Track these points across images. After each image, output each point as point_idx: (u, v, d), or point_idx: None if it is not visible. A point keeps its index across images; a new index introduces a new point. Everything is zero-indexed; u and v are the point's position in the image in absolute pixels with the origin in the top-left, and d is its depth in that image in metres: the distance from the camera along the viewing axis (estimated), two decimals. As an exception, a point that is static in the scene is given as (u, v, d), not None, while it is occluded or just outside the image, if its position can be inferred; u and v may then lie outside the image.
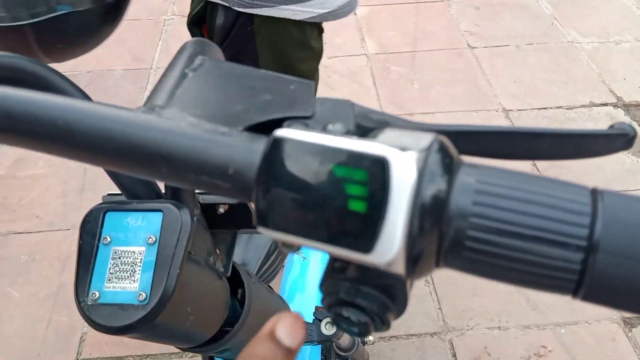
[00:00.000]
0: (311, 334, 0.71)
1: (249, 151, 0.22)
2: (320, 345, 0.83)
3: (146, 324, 0.32)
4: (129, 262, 0.34)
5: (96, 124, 0.23)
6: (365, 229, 0.19)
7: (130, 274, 0.33)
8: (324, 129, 0.24)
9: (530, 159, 0.26)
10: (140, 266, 0.34)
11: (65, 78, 0.34)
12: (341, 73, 2.26)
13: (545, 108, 2.06)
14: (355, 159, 0.20)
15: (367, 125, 0.26)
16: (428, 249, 0.20)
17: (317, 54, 1.01)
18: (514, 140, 0.25)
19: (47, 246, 1.60)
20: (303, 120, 0.25)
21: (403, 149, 0.20)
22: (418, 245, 0.20)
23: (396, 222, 0.19)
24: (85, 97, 0.34)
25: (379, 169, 0.19)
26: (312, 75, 1.03)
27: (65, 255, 1.56)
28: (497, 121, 1.99)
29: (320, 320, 0.72)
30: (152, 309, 0.32)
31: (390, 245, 0.19)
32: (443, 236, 0.20)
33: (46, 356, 1.36)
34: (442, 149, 0.21)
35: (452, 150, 0.21)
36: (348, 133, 0.24)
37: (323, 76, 2.22)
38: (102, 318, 0.33)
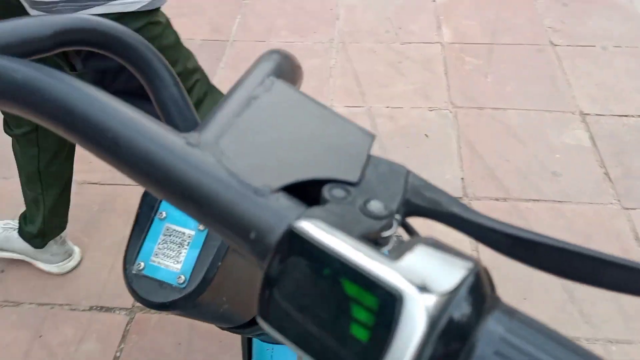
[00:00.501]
0: None
1: (277, 219, 0.20)
2: None
3: (180, 305, 0.33)
4: (178, 242, 0.34)
5: (140, 144, 0.22)
6: None
7: (176, 253, 0.34)
8: (364, 205, 0.22)
9: (595, 286, 0.22)
10: (186, 249, 0.34)
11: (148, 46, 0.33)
12: (413, 59, 2.23)
13: (626, 115, 1.95)
14: (369, 282, 0.17)
15: (417, 202, 0.24)
16: None
17: (168, 22, 1.03)
18: (579, 261, 0.22)
19: (117, 198, 1.70)
20: (346, 187, 0.23)
21: (424, 287, 0.17)
22: None
23: None
24: (160, 62, 0.33)
25: (390, 302, 0.17)
26: (179, 44, 1.06)
27: (132, 209, 1.65)
28: (572, 124, 1.91)
29: None
30: (188, 294, 0.33)
31: None
32: None
33: (107, 300, 1.45)
34: (474, 289, 0.18)
35: (487, 287, 0.19)
36: (389, 215, 0.22)
37: (394, 62, 2.20)
38: (141, 290, 0.34)
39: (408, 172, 0.25)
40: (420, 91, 2.08)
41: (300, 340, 0.19)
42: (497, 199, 1.65)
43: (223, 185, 0.21)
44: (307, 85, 2.11)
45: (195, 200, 0.22)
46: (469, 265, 0.19)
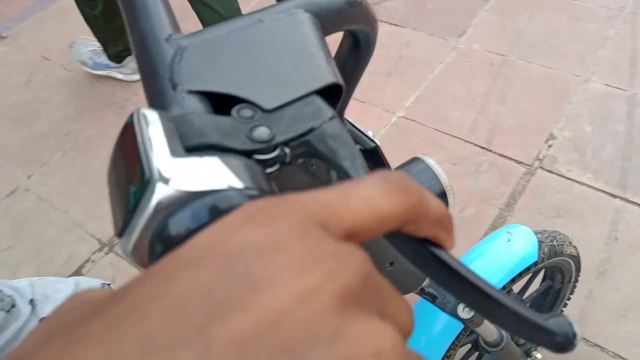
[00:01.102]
0: (446, 302, 0.72)
1: (169, 109, 0.25)
2: (461, 325, 0.81)
3: None
4: None
5: (141, 19, 0.28)
6: (125, 218, 0.21)
7: None
8: (252, 128, 0.24)
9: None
10: None
11: None
12: None
13: None
14: (142, 163, 0.20)
15: (316, 145, 0.24)
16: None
17: None
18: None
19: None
20: (256, 110, 0.25)
21: (167, 180, 0.20)
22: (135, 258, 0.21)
23: (132, 232, 0.20)
24: None
25: (145, 183, 0.20)
26: None
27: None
28: None
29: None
30: None
31: (125, 246, 0.21)
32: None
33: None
34: (213, 203, 0.19)
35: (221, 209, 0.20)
36: (266, 142, 0.23)
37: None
38: None
39: (330, 119, 0.25)
40: None
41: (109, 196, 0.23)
42: None
43: (157, 77, 0.26)
44: (571, 49, 1.90)
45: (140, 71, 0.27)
46: (236, 185, 0.20)
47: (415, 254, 0.22)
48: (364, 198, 0.17)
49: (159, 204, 0.19)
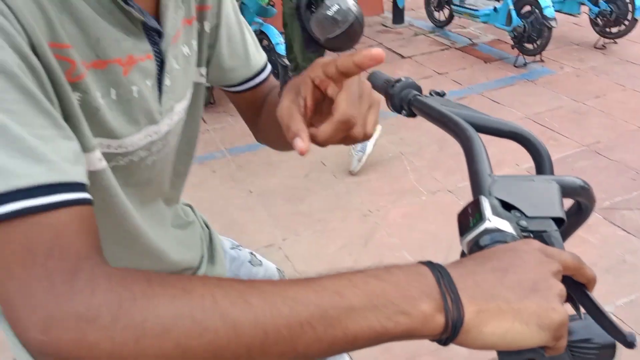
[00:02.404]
0: None
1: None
2: None
3: None
4: None
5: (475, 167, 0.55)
6: (466, 229, 0.47)
7: None
8: (519, 220, 0.47)
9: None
10: None
11: None
12: None
13: None
14: (483, 214, 0.46)
15: (545, 240, 0.47)
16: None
17: None
18: None
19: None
20: (522, 213, 0.48)
21: (491, 221, 0.45)
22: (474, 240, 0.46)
23: (468, 236, 0.46)
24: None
25: (480, 219, 0.46)
26: None
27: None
28: None
29: None
30: None
31: (463, 240, 0.47)
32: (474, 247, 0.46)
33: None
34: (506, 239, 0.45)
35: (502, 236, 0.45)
36: (524, 229, 0.47)
37: None
38: None
39: (555, 231, 0.48)
40: None
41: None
42: None
43: (482, 189, 0.51)
44: None
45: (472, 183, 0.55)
46: (512, 232, 0.46)
47: (575, 290, 0.48)
48: (564, 259, 0.46)
49: (485, 229, 0.46)
